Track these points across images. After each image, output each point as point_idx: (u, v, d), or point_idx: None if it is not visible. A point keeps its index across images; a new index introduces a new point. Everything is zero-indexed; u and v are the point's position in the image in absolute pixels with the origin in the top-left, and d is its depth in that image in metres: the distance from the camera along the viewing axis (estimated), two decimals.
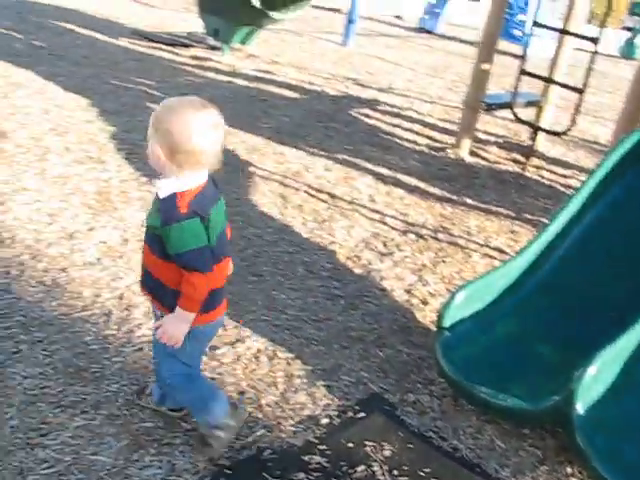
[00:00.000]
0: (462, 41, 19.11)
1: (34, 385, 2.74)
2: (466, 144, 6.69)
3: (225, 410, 2.54)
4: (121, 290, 3.47)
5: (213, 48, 10.28)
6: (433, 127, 7.64)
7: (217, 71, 8.80)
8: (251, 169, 5.33)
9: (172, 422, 2.64)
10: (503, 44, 19.99)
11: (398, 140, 6.84)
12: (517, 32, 19.77)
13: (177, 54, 9.58)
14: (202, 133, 2.09)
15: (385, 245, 4.46)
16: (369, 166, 5.87)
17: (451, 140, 6.99)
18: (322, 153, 5.96)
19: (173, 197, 2.14)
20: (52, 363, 2.86)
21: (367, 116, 7.61)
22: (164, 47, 9.92)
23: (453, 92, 10.19)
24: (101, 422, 2.60)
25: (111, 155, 5.19)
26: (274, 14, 8.85)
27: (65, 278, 3.47)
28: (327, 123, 6.96)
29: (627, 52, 25.82)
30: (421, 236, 4.68)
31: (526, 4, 19.31)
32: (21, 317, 3.12)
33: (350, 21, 13.21)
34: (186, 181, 2.16)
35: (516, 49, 19.77)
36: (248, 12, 8.86)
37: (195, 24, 12.52)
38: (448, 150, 6.66)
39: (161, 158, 2.12)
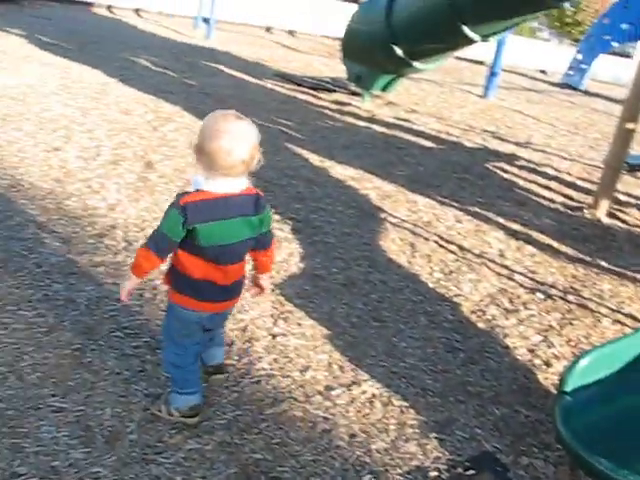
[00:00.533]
0: (608, 98, 18.59)
1: None
2: (604, 205, 6.48)
3: (186, 405, 2.72)
4: (245, 322, 3.57)
5: (354, 94, 10.51)
6: (570, 185, 7.45)
7: (356, 116, 8.98)
8: (382, 215, 5.38)
9: (281, 456, 2.68)
10: None
11: (533, 196, 6.71)
12: None
13: (319, 97, 9.85)
14: (223, 140, 2.29)
15: (511, 302, 4.38)
16: (501, 220, 5.79)
17: (588, 200, 6.79)
18: (454, 204, 5.94)
19: (189, 191, 2.44)
20: None
21: (503, 170, 7.52)
22: (306, 90, 10.21)
23: (594, 150, 9.92)
24: (213, 448, 2.68)
25: None
26: (417, 64, 8.94)
27: None
28: (461, 174, 6.93)
29: None
30: (549, 296, 4.56)
31: None
32: (149, 338, 3.27)
33: (493, 73, 13.14)
34: (204, 184, 2.38)
35: None
36: (391, 61, 8.99)
37: (338, 70, 12.88)
38: (585, 210, 6.47)
39: (195, 158, 2.39)
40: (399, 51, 8.84)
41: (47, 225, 4.28)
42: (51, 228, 4.23)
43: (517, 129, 10.52)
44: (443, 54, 9.29)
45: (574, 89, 18.63)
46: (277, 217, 4.97)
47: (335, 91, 10.59)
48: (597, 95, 19.11)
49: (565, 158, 8.98)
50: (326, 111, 8.99)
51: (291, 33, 18.68)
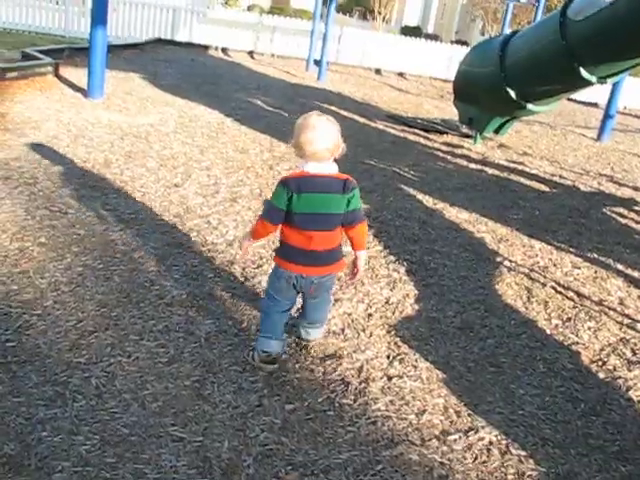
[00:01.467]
0: None
1: (271, 440, 2.89)
2: None
3: (266, 348, 3.28)
4: (361, 362, 3.58)
5: (466, 136, 10.47)
6: None
7: (468, 159, 8.93)
8: (498, 259, 5.31)
9: None
10: None
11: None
12: None
13: (430, 139, 9.86)
14: (305, 134, 2.98)
15: (634, 353, 4.21)
16: (621, 267, 5.60)
17: None
18: (571, 250, 5.79)
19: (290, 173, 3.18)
20: (289, 421, 3.00)
21: (621, 215, 7.30)
22: (417, 131, 10.25)
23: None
24: None
25: None
26: (531, 106, 8.84)
27: (312, 342, 3.67)
28: (577, 219, 6.77)
29: None
30: None
31: None
32: (267, 374, 3.32)
33: (608, 116, 12.82)
34: (302, 166, 3.06)
35: None
36: (504, 103, 8.92)
37: (448, 111, 12.90)
38: None
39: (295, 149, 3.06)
40: (512, 93, 8.77)
41: (168, 258, 4.43)
42: (172, 262, 4.38)
43: (635, 173, 10.20)
44: (558, 96, 9.14)
45: None
46: (392, 258, 4.98)
47: (446, 133, 10.59)
48: None
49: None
50: (437, 153, 8.99)
51: (401, 75, 18.82)
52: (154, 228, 4.89)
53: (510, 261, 5.31)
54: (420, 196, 6.66)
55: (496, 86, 8.84)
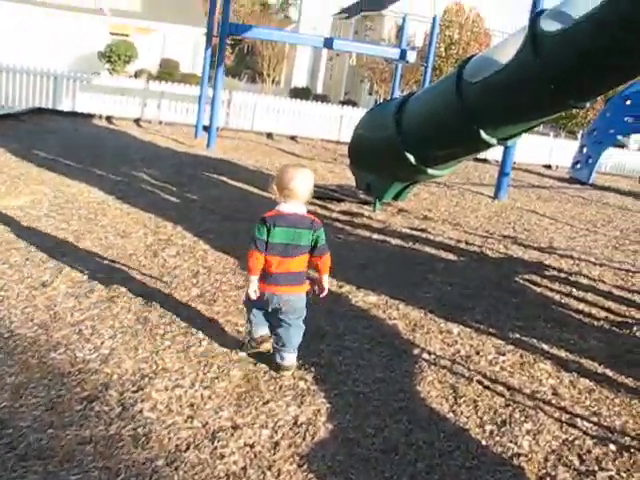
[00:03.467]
0: (617, 191, 18.23)
1: None
2: None
3: (249, 335, 4.20)
4: None
5: (364, 203, 10.00)
6: (609, 296, 6.80)
7: (369, 228, 8.42)
8: (416, 351, 4.71)
9: None
10: None
11: (573, 313, 6.06)
12: None
13: (327, 208, 9.33)
14: (289, 181, 3.80)
15: (582, 459, 3.66)
16: (546, 347, 5.12)
17: (632, 312, 6.12)
18: (492, 330, 5.27)
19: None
20: None
21: (534, 283, 6.89)
22: (314, 200, 9.68)
23: (620, 252, 9.32)
24: None
25: None
26: (432, 171, 8.43)
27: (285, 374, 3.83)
28: (492, 291, 6.29)
29: None
30: (623, 446, 3.84)
31: None
32: None
33: (504, 174, 12.71)
34: (280, 207, 3.87)
35: None
36: (404, 168, 8.50)
37: (343, 176, 12.47)
38: (634, 327, 5.78)
39: (276, 192, 3.88)
40: (412, 158, 8.34)
41: (27, 388, 3.59)
42: (30, 393, 3.54)
43: (536, 232, 10.02)
44: (459, 159, 8.80)
45: (583, 183, 18.25)
46: (299, 362, 4.27)
47: (344, 200, 10.08)
48: (606, 188, 18.74)
49: (594, 263, 8.37)
50: (336, 224, 8.43)
51: (293, 138, 18.43)
52: (10, 347, 4.03)
53: (429, 353, 4.72)
54: None
55: (394, 151, 8.40)
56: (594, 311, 6.34)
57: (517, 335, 5.31)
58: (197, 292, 5.11)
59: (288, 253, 3.84)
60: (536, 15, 6.86)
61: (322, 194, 10.17)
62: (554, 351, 5.12)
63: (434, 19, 15.59)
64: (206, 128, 14.93)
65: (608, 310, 6.43)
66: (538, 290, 6.73)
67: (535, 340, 5.27)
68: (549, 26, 6.62)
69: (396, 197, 9.45)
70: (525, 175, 17.62)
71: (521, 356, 4.90)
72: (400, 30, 16.22)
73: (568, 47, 6.23)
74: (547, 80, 6.63)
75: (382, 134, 8.72)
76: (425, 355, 4.67)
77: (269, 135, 18.84)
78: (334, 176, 12.85)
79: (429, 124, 8.08)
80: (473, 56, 7.88)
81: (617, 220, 13.02)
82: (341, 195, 10.49)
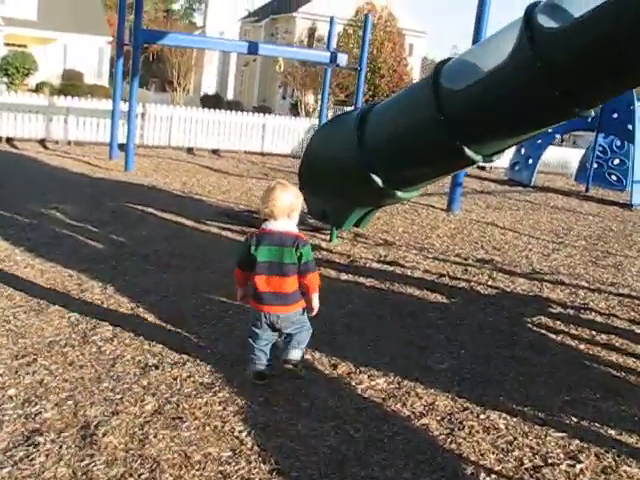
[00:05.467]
0: (560, 192, 17.60)
1: None
2: None
3: (253, 370, 4.01)
4: None
5: (316, 229, 8.66)
6: (635, 338, 5.71)
7: (333, 265, 7.14)
8: (468, 469, 3.37)
9: None
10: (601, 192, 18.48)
11: (613, 370, 4.90)
12: (613, 177, 18.11)
13: None
14: (262, 198, 3.87)
15: None
16: (613, 433, 3.90)
17: None
18: (540, 415, 4.06)
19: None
20: None
21: (548, 328, 5.80)
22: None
23: (602, 268, 8.38)
24: None
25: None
26: (402, 194, 7.16)
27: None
28: (509, 349, 5.10)
29: None
30: None
31: (621, 147, 17.68)
32: None
33: (457, 184, 11.64)
34: (265, 224, 3.89)
35: (613, 195, 18.14)
36: (368, 192, 7.21)
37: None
38: None
39: (262, 212, 3.91)
40: (379, 181, 7.05)
41: None
42: None
43: (507, 251, 9.14)
44: (434, 179, 7.58)
45: (524, 186, 17.48)
46: None
47: None
48: (546, 189, 18.08)
49: (589, 288, 7.35)
50: None
51: (215, 152, 16.94)
52: None
53: (486, 469, 3.40)
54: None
55: (357, 172, 7.12)
56: (635, 363, 5.18)
57: (573, 419, 4.10)
58: (152, 406, 3.63)
59: (274, 271, 3.78)
60: (531, 7, 5.67)
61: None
62: (625, 438, 3.87)
63: (366, 18, 14.39)
64: (122, 147, 13.26)
65: None
66: (558, 339, 5.56)
67: (597, 424, 4.04)
68: (547, 21, 5.50)
69: (357, 224, 8.12)
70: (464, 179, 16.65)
71: (597, 457, 3.66)
72: (324, 32, 14.89)
73: (576, 45, 5.10)
74: (551, 86, 5.47)
75: (341, 154, 7.42)
76: (482, 475, 3.32)
77: (189, 150, 17.29)
78: None
79: (399, 141, 6.82)
80: (448, 60, 6.63)
81: (575, 226, 12.27)
82: None
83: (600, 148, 18.15)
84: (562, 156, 24.29)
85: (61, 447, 3.06)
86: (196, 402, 3.65)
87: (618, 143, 17.97)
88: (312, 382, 4.09)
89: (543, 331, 5.71)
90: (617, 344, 5.62)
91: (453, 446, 3.56)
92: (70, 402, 3.50)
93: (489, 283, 7.13)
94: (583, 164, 19.21)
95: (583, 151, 22.29)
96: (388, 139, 6.88)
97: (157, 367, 4.05)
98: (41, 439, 3.11)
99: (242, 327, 4.87)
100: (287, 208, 3.77)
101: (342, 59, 14.18)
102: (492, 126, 6.08)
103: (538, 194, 16.97)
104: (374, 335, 5.06)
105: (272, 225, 3.79)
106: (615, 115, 16.32)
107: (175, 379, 3.91)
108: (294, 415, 3.63)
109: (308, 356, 4.52)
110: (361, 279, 6.74)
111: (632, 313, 6.62)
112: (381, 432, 3.59)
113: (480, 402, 4.15)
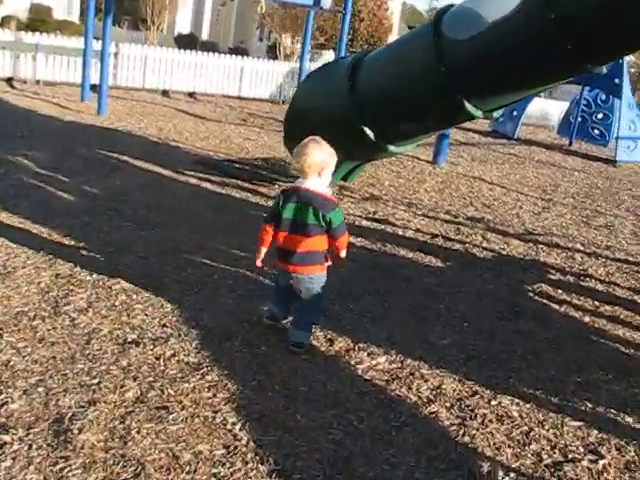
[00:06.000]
0: (541, 145, 17.35)
1: None
2: None
3: (268, 311, 4.10)
4: None
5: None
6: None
7: None
8: (460, 451, 3.04)
9: None
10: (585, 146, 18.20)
11: (622, 346, 4.64)
12: (596, 131, 17.82)
13: (259, 194, 7.52)
14: (294, 158, 3.78)
15: None
16: (630, 421, 3.60)
17: None
18: (554, 400, 3.80)
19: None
20: None
21: (550, 298, 5.49)
22: (238, 183, 7.84)
23: (594, 230, 8.17)
24: None
25: None
26: (393, 148, 6.76)
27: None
28: (513, 322, 4.81)
29: None
30: None
31: (605, 101, 17.33)
32: None
33: (444, 135, 11.22)
34: (297, 182, 3.77)
35: (596, 151, 17.87)
36: (359, 146, 6.79)
37: (263, 144, 10.63)
38: None
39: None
40: (371, 134, 6.63)
41: None
42: None
43: (497, 208, 8.91)
44: (427, 134, 7.17)
45: (508, 138, 17.11)
46: None
47: (276, 181, 8.25)
48: (530, 142, 17.78)
49: (585, 252, 7.10)
50: None
51: (191, 96, 16.28)
52: None
53: (505, 468, 3.06)
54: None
55: (347, 125, 6.70)
56: None
57: (588, 404, 3.80)
58: (134, 393, 3.23)
59: (296, 230, 3.67)
60: None
61: (248, 175, 8.33)
62: None
63: None
64: (94, 88, 12.60)
65: None
66: (561, 310, 5.26)
67: (613, 410, 3.76)
68: None
69: (344, 178, 7.71)
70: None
71: (619, 450, 3.37)
72: None
73: None
74: (564, 39, 5.07)
75: (331, 104, 6.97)
76: (500, 474, 3.00)
77: (165, 93, 16.63)
78: (254, 146, 10.98)
79: (395, 93, 6.40)
80: (449, 7, 6.16)
81: (561, 183, 11.99)
82: (270, 174, 8.65)
83: (584, 102, 17.79)
84: (542, 108, 23.93)
85: (31, 447, 2.66)
86: (182, 387, 3.25)
87: (603, 97, 17.60)
88: (309, 362, 3.73)
89: (545, 301, 5.39)
90: (622, 316, 5.33)
91: (466, 439, 3.22)
92: (41, 389, 3.08)
93: (483, 245, 6.80)
94: (566, 117, 18.85)
95: (562, 103, 21.96)
96: (382, 90, 6.46)
97: (137, 344, 3.63)
98: (7, 437, 2.70)
99: (228, 295, 4.48)
100: (318, 165, 3.63)
101: (326, 2, 13.56)
102: (497, 80, 5.68)
103: (522, 147, 16.64)
104: (370, 304, 4.70)
105: (304, 183, 3.65)
106: None
107: (158, 359, 3.50)
108: (291, 402, 3.26)
109: None
110: (351, 239, 6.32)
111: (632, 281, 6.35)
112: (387, 422, 3.24)
113: (489, 385, 3.82)
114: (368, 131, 6.69)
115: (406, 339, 4.24)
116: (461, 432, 3.28)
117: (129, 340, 3.68)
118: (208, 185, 7.68)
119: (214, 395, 3.22)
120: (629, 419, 3.71)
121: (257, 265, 3.89)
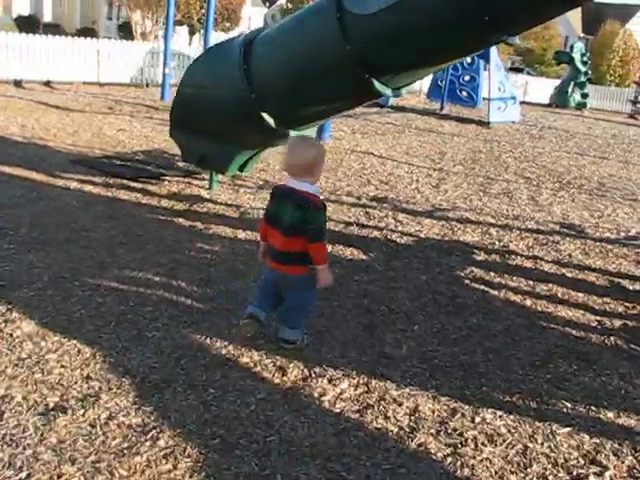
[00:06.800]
0: (413, 110, 17.42)
1: None
2: None
3: (247, 311, 3.73)
4: None
5: (188, 174, 7.64)
6: (566, 281, 5.33)
7: (226, 221, 6.24)
8: None
9: None
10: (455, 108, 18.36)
11: (573, 330, 4.51)
12: (464, 93, 18.07)
13: (151, 194, 6.84)
14: (284, 155, 3.72)
15: None
16: (612, 417, 3.34)
17: None
18: (530, 404, 3.47)
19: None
20: None
21: (484, 282, 5.26)
22: (124, 183, 7.15)
23: (497, 199, 8.08)
24: None
25: None
26: (294, 133, 6.27)
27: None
28: (460, 317, 4.55)
29: (561, 101, 24.80)
30: None
31: (471, 63, 17.55)
32: None
33: None
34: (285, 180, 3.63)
35: (467, 112, 18.10)
36: (258, 133, 6.28)
37: (137, 135, 9.89)
38: None
39: None
40: (271, 120, 6.13)
41: None
42: None
43: (397, 184, 8.75)
44: (332, 116, 6.74)
45: (381, 106, 16.99)
46: None
47: (163, 176, 7.60)
48: (402, 109, 17.81)
49: (499, 225, 6.97)
50: (176, 221, 6.07)
51: (48, 85, 15.09)
52: None
53: None
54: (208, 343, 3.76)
55: (244, 112, 6.18)
56: (585, 316, 4.73)
57: (567, 404, 3.62)
58: None
59: (276, 226, 3.60)
60: None
61: (132, 172, 7.64)
62: (627, 421, 3.37)
63: None
64: None
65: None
66: (501, 296, 5.04)
67: (592, 407, 3.55)
68: None
69: (241, 169, 7.16)
70: None
71: (617, 456, 3.18)
72: None
73: None
74: (485, 9, 4.77)
75: (224, 90, 6.40)
76: None
77: (17, 83, 15.30)
78: (129, 137, 10.18)
79: (297, 74, 5.90)
80: None
81: (445, 150, 12.00)
82: (157, 168, 7.97)
83: (451, 65, 17.90)
84: None
85: None
86: (134, 462, 2.68)
87: (468, 60, 17.77)
88: (267, 401, 3.23)
89: (482, 287, 5.14)
90: (559, 294, 5.18)
91: (466, 471, 2.86)
92: None
93: (399, 229, 6.50)
94: (435, 81, 18.94)
95: None
96: (282, 72, 5.96)
97: (63, 409, 3.00)
98: None
99: (152, 326, 3.90)
100: (301, 166, 3.51)
101: None
102: (410, 56, 5.28)
103: (397, 114, 16.56)
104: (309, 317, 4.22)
105: (290, 181, 3.56)
106: None
107: (93, 426, 2.89)
108: (265, 460, 2.77)
109: (246, 359, 3.64)
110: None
111: (553, 252, 6.25)
112: (378, 466, 2.83)
113: (465, 399, 3.47)
114: (267, 117, 6.17)
115: (361, 354, 3.83)
116: (458, 464, 2.91)
117: (51, 406, 3.04)
118: (92, 188, 6.93)
119: (174, 467, 2.67)
120: (610, 414, 3.50)
121: (260, 257, 3.84)
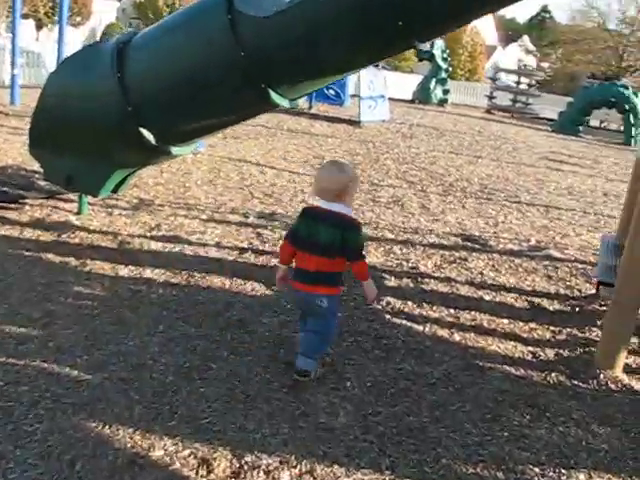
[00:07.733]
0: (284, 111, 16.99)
1: None
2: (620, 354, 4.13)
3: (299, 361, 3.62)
4: None
5: (52, 194, 6.75)
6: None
7: (102, 253, 5.47)
8: None
9: None
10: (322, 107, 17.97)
11: (511, 369, 4.03)
12: (332, 92, 17.84)
13: (11, 222, 5.92)
14: (315, 178, 3.75)
15: None
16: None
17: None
18: (499, 475, 2.93)
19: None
20: None
21: (406, 316, 4.81)
22: None
23: (389, 209, 7.68)
24: None
25: None
26: (177, 150, 5.60)
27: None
28: (391, 362, 4.03)
29: (423, 97, 25.13)
30: None
31: None
32: None
33: None
34: (315, 202, 3.62)
35: (335, 111, 17.79)
36: (137, 151, 5.54)
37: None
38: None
39: None
40: (151, 137, 5.41)
41: None
42: None
43: (280, 196, 8.29)
44: (221, 129, 6.07)
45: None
46: None
47: (24, 199, 6.66)
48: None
49: (400, 241, 6.59)
50: (47, 257, 5.20)
51: None
52: None
53: None
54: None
55: (119, 128, 5.40)
56: (516, 348, 4.35)
57: (535, 469, 3.18)
58: None
59: (306, 248, 3.54)
60: None
61: None
62: None
63: None
64: None
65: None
66: (429, 333, 4.61)
67: (562, 471, 3.21)
68: None
69: (115, 189, 6.35)
70: None
71: None
72: None
73: None
74: (393, 13, 4.31)
75: (95, 102, 5.60)
76: None
77: None
78: None
79: (180, 85, 5.23)
80: None
81: (322, 153, 11.70)
82: (16, 190, 6.99)
83: None
84: None
85: None
86: None
87: None
88: None
89: (404, 322, 4.65)
90: (485, 324, 4.81)
91: None
92: None
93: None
94: None
95: None
96: (164, 81, 5.29)
97: None
98: None
99: (37, 416, 3.10)
100: (332, 191, 3.50)
101: None
102: (313, 62, 4.73)
103: (267, 115, 15.88)
104: (220, 381, 3.56)
105: (322, 203, 3.54)
106: None
107: None
108: None
109: (159, 452, 2.92)
110: (148, 272, 5.09)
111: (463, 271, 5.89)
112: None
113: (427, 478, 2.90)
114: (146, 133, 5.43)
115: (295, 428, 3.20)
116: None
117: None
118: None
119: None
120: (581, 476, 3.02)
121: (278, 280, 3.78)
